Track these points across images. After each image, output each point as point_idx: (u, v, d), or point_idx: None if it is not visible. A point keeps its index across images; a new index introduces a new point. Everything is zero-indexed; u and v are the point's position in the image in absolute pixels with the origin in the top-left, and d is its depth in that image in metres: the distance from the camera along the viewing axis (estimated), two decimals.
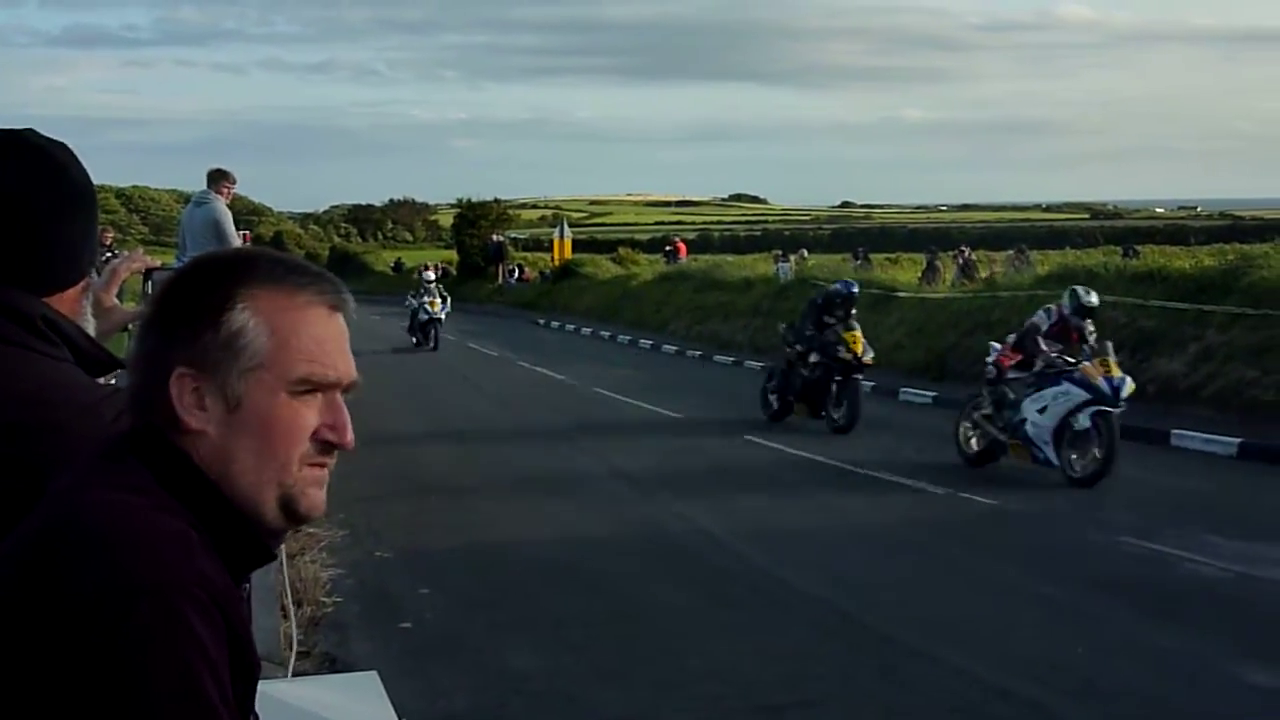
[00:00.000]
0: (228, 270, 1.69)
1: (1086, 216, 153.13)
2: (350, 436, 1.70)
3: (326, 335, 1.69)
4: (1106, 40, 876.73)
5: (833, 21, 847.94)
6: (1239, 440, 14.75)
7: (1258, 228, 63.84)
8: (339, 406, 1.69)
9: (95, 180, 2.29)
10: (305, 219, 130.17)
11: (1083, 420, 12.97)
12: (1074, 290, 14.15)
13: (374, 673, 3.14)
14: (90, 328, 2.30)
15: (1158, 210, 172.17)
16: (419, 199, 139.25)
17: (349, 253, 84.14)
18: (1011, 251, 40.11)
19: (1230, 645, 8.03)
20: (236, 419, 1.64)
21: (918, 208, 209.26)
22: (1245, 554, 10.15)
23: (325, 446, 1.68)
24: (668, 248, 54.61)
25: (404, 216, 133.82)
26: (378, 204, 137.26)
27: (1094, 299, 13.89)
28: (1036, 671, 7.48)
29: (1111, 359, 13.33)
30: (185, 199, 13.81)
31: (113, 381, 2.20)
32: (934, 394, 20.51)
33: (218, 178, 12.48)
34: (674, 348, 31.22)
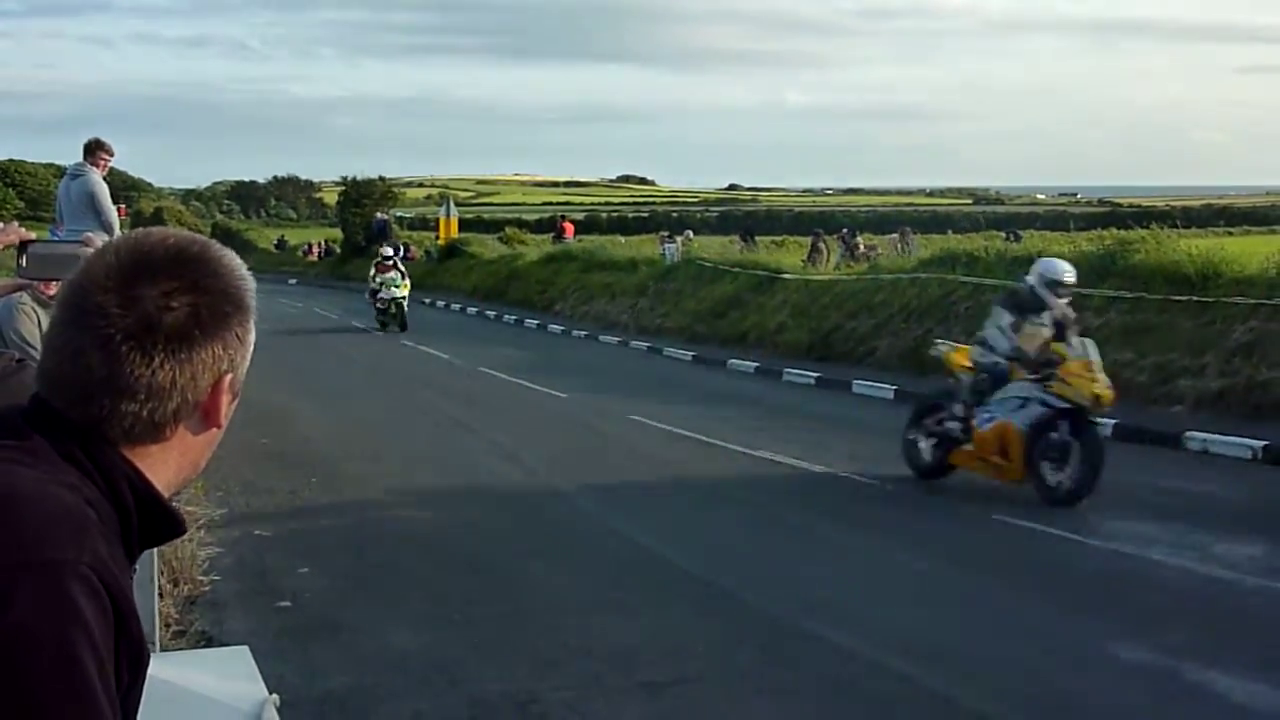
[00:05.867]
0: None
1: (970, 202, 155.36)
2: None
3: None
4: (981, 27, 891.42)
5: (710, 4, 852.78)
6: (1114, 421, 15.02)
7: (1136, 214, 65.30)
8: None
9: None
10: (188, 195, 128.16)
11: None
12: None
13: (245, 648, 3.09)
14: None
15: (1039, 196, 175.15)
16: (303, 176, 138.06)
17: (231, 229, 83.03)
18: (895, 235, 40.54)
19: (1103, 621, 8.19)
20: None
21: (804, 191, 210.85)
22: (1117, 532, 10.36)
23: None
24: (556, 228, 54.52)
25: (288, 194, 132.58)
26: (261, 181, 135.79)
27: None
28: (914, 649, 7.57)
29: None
30: (62, 173, 13.50)
31: None
32: (817, 375, 20.69)
33: (94, 149, 12.24)
34: (560, 327, 31.20)
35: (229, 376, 1.63)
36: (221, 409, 1.65)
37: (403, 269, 31.92)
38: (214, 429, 1.67)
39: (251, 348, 1.67)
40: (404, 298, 31.04)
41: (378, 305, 31.10)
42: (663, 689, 7.00)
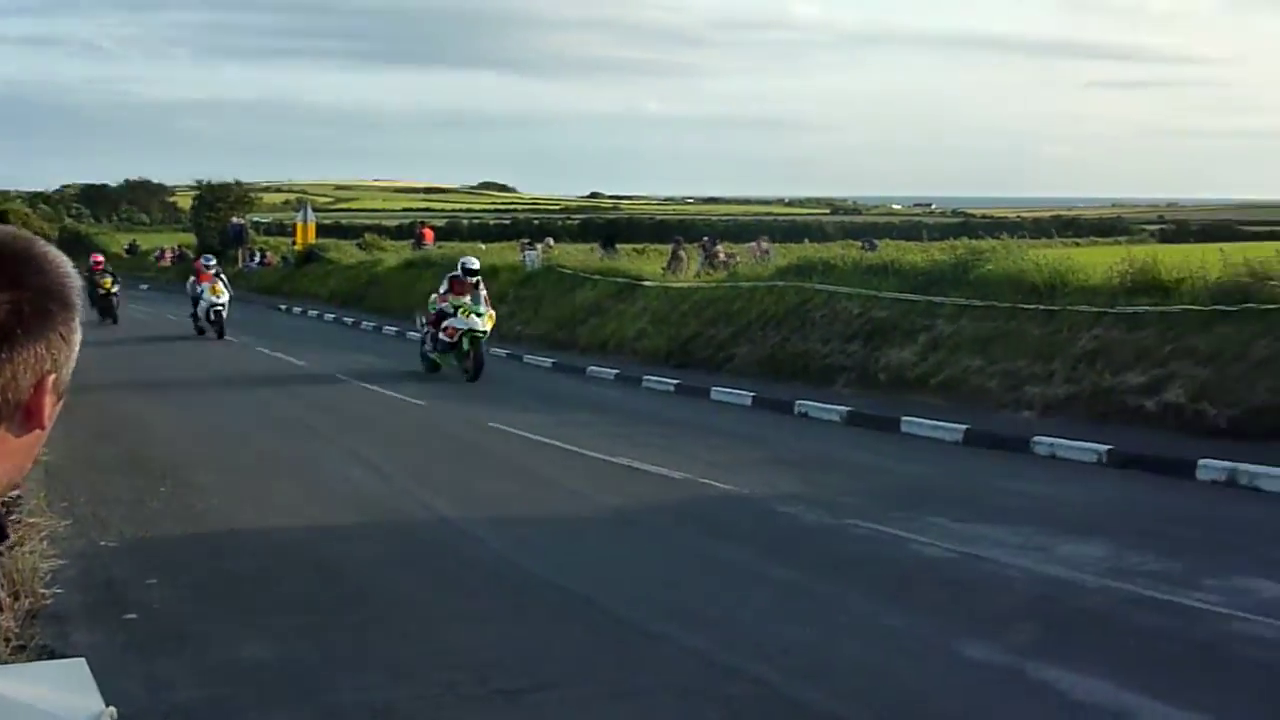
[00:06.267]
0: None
1: (827, 211, 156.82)
2: None
3: None
4: (837, 40, 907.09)
5: (567, 11, 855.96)
6: (964, 427, 15.34)
7: (987, 225, 66.84)
8: None
9: None
10: (35, 198, 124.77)
11: None
12: None
13: (81, 660, 2.99)
14: None
15: (895, 207, 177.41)
16: (156, 180, 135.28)
17: (80, 233, 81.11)
18: (754, 244, 40.84)
19: (952, 622, 8.32)
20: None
21: (665, 199, 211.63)
22: (967, 535, 10.54)
23: None
24: (415, 234, 54.17)
25: (140, 198, 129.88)
26: (113, 184, 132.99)
27: None
28: (767, 652, 7.64)
29: None
30: None
31: None
32: (676, 381, 20.79)
33: None
34: (418, 335, 30.93)
35: (53, 377, 1.57)
36: (45, 410, 1.59)
37: (486, 293, 22.96)
38: (37, 431, 1.60)
39: (77, 347, 1.62)
40: (484, 334, 22.12)
41: (443, 336, 22.21)
42: (519, 696, 6.98)
